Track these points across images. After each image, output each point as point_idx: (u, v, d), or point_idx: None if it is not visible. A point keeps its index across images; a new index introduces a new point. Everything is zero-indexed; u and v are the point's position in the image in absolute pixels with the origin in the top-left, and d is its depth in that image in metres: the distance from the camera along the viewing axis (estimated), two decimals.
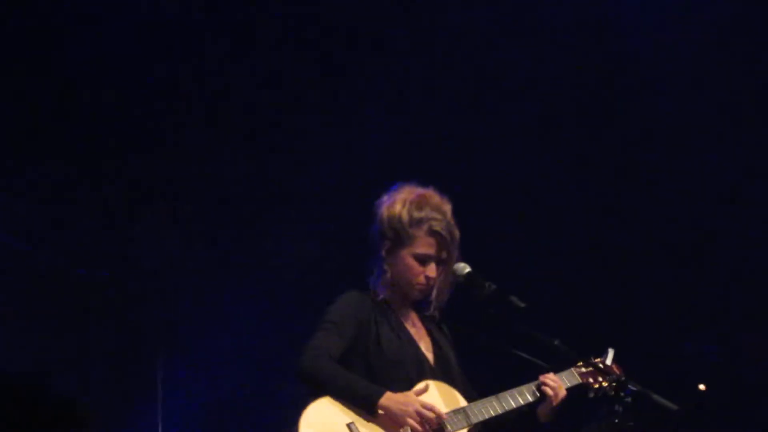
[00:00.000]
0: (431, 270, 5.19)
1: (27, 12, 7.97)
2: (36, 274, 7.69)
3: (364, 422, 4.93)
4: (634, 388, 5.17)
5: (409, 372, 5.12)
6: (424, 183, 5.33)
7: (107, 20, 8.06)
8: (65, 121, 8.02)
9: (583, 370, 5.27)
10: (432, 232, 5.20)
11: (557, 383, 5.19)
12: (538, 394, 5.19)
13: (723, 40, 8.39)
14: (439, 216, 5.21)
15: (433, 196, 5.27)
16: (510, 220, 8.31)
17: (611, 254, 8.54)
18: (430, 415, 4.93)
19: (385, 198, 5.30)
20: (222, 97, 8.31)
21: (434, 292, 5.24)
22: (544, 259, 8.38)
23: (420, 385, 5.05)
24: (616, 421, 5.26)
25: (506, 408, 5.10)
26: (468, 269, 5.19)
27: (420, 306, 5.34)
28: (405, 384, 5.07)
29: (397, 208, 5.22)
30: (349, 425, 4.89)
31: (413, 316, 5.32)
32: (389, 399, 4.93)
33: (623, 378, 5.22)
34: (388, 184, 5.41)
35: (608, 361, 5.31)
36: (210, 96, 8.31)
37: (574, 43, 8.47)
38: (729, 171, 8.50)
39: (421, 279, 5.19)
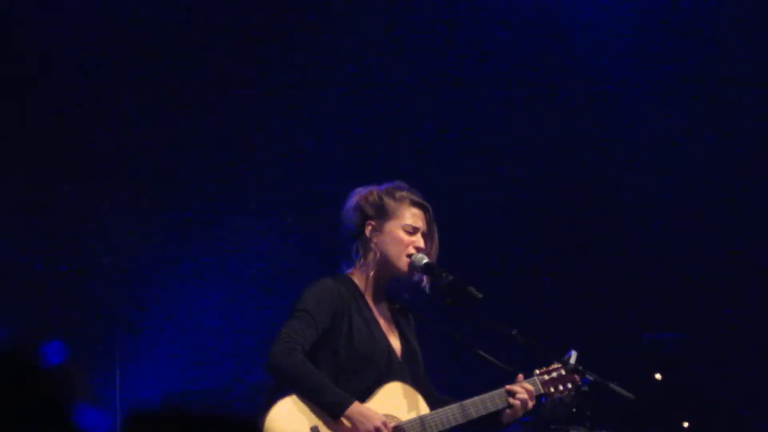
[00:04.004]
0: (419, 241, 5.22)
1: None
2: None
3: (327, 428, 4.95)
4: (592, 378, 5.17)
5: (377, 367, 5.12)
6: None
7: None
8: (23, 116, 7.98)
9: (546, 378, 5.21)
10: (414, 203, 5.25)
11: (529, 394, 5.16)
12: (506, 404, 5.15)
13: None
14: (416, 193, 5.28)
15: (403, 183, 5.33)
16: (471, 214, 8.37)
17: (571, 247, 8.60)
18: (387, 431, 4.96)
19: (353, 194, 5.32)
20: (185, 88, 8.29)
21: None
22: (502, 252, 8.43)
23: (384, 389, 5.08)
24: (573, 411, 5.29)
25: (468, 418, 5.11)
26: (426, 260, 5.21)
27: (390, 296, 5.35)
28: (372, 379, 5.09)
29: (375, 193, 5.27)
30: (312, 429, 4.91)
31: (384, 307, 5.33)
32: (354, 410, 4.95)
33: (581, 368, 5.22)
34: (349, 178, 5.45)
35: (571, 362, 5.20)
36: (172, 86, 8.29)
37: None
38: (689, 170, 8.58)
39: (411, 249, 5.20)
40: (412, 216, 5.25)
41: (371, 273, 5.25)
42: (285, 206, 8.30)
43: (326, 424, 4.95)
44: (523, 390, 5.16)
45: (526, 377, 5.21)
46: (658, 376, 8.21)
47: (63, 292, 7.71)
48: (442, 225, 5.28)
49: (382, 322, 5.27)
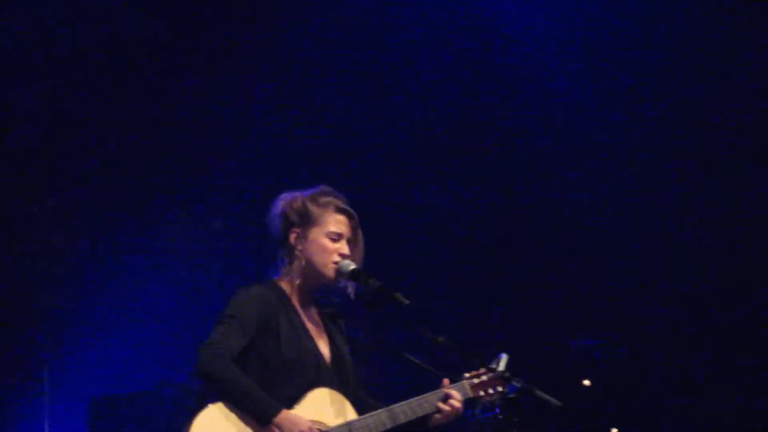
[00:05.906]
0: (344, 248, 5.21)
1: None
2: None
3: None
4: (518, 384, 5.19)
5: (305, 373, 5.12)
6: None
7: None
8: None
9: (475, 381, 5.24)
10: (339, 210, 5.24)
11: (459, 400, 5.16)
12: (435, 408, 5.17)
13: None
14: (341, 199, 5.27)
15: (328, 189, 5.32)
16: (401, 223, 8.40)
17: (501, 255, 8.64)
18: None
19: (279, 200, 5.30)
20: (117, 89, 8.26)
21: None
22: (433, 260, 8.46)
23: (311, 395, 5.08)
24: (500, 417, 5.30)
25: (396, 422, 5.11)
26: (352, 266, 5.21)
27: (320, 301, 5.34)
28: (300, 386, 5.08)
29: (299, 199, 5.26)
30: None
31: (313, 312, 5.32)
32: (282, 417, 4.95)
33: (508, 374, 5.23)
34: (279, 182, 5.44)
35: (501, 367, 5.23)
36: (104, 88, 8.26)
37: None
38: (614, 179, 8.66)
39: (335, 257, 5.19)
40: (336, 222, 5.23)
41: (298, 280, 5.24)
42: (214, 211, 8.29)
43: (254, 430, 4.93)
44: (453, 394, 5.18)
45: (454, 381, 5.22)
46: (586, 382, 8.27)
47: None
48: (368, 230, 5.28)
49: (310, 327, 5.26)
